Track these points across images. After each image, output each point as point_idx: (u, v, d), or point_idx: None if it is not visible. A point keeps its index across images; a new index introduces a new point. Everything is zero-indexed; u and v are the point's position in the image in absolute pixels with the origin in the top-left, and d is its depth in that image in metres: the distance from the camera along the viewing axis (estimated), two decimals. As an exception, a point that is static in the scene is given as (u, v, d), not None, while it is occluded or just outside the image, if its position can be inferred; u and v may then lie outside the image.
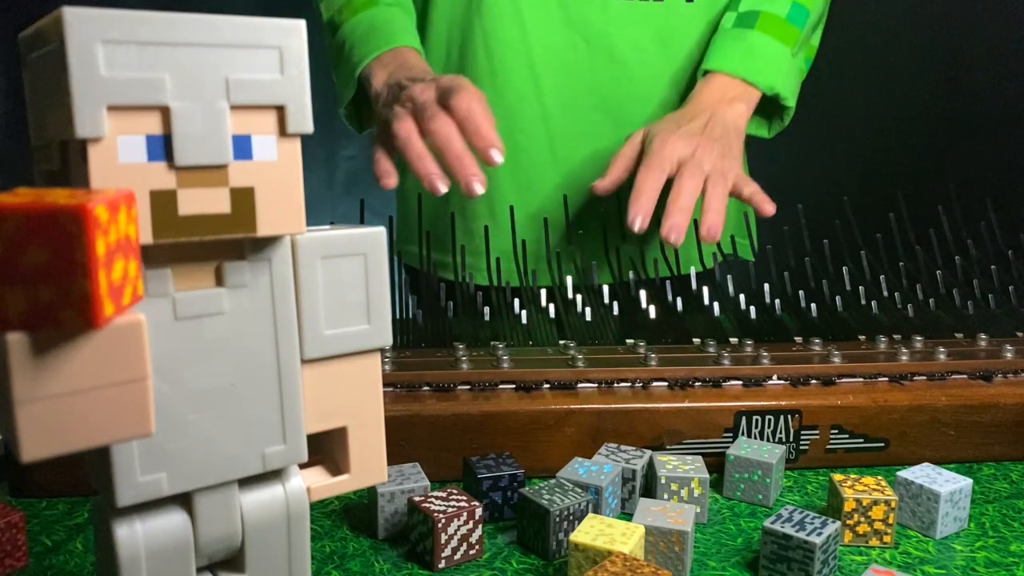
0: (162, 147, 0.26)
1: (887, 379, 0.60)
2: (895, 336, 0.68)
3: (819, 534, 0.42)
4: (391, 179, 0.68)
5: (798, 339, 0.67)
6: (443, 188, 0.63)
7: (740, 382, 0.59)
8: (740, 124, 0.77)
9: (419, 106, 0.66)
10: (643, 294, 0.73)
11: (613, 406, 0.55)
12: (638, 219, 0.67)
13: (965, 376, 0.61)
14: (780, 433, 0.57)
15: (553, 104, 0.84)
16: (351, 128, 0.86)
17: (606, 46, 0.83)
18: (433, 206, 0.87)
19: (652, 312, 0.72)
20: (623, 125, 0.85)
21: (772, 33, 0.81)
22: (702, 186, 0.69)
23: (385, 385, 0.55)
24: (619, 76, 0.84)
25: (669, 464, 0.51)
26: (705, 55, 0.83)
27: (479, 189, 0.62)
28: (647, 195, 0.68)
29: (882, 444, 0.57)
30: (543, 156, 0.85)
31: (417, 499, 0.45)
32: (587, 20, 0.83)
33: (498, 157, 0.63)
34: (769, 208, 0.71)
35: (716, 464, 0.54)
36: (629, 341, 0.65)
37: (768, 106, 0.84)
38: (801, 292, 0.74)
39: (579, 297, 0.73)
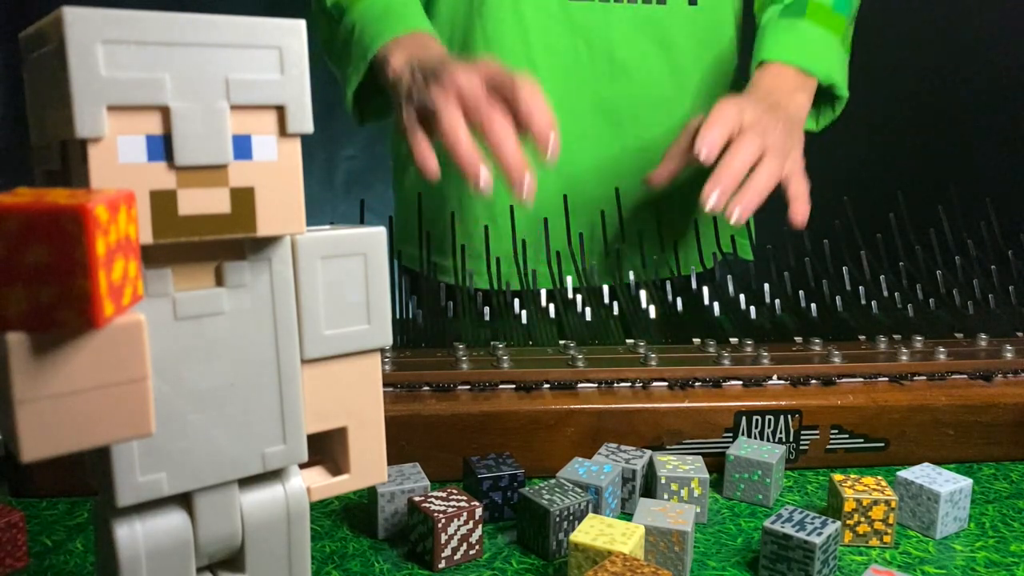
0: (162, 147, 0.26)
1: (887, 379, 0.60)
2: (895, 336, 0.68)
3: (819, 534, 0.42)
4: (434, 164, 0.63)
5: (798, 339, 0.67)
6: (489, 190, 0.61)
7: (740, 382, 0.59)
8: (802, 115, 0.75)
9: (469, 99, 0.62)
10: (643, 294, 0.73)
11: (613, 406, 0.55)
12: (712, 197, 0.64)
13: (965, 376, 0.61)
14: (780, 433, 0.57)
15: (554, 107, 0.84)
16: (352, 119, 0.83)
17: (607, 49, 0.83)
18: (432, 208, 0.87)
19: (652, 312, 0.72)
20: (624, 128, 0.85)
21: (821, 22, 0.79)
22: (756, 154, 0.66)
23: (385, 385, 0.55)
24: (620, 79, 0.84)
25: (669, 464, 0.51)
26: (756, 46, 0.81)
27: (530, 196, 0.61)
28: (724, 172, 0.64)
29: (882, 444, 0.57)
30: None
31: (417, 499, 0.45)
32: (588, 23, 0.83)
33: (555, 153, 0.61)
34: (800, 218, 0.69)
35: (716, 464, 0.54)
36: (629, 341, 0.65)
37: (816, 97, 0.81)
38: (801, 292, 0.74)
39: (579, 297, 0.73)
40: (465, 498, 0.46)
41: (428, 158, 0.64)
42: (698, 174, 0.91)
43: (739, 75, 0.94)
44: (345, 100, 0.80)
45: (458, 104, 0.63)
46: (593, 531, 0.42)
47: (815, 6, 0.80)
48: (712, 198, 0.64)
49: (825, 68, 0.78)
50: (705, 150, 0.65)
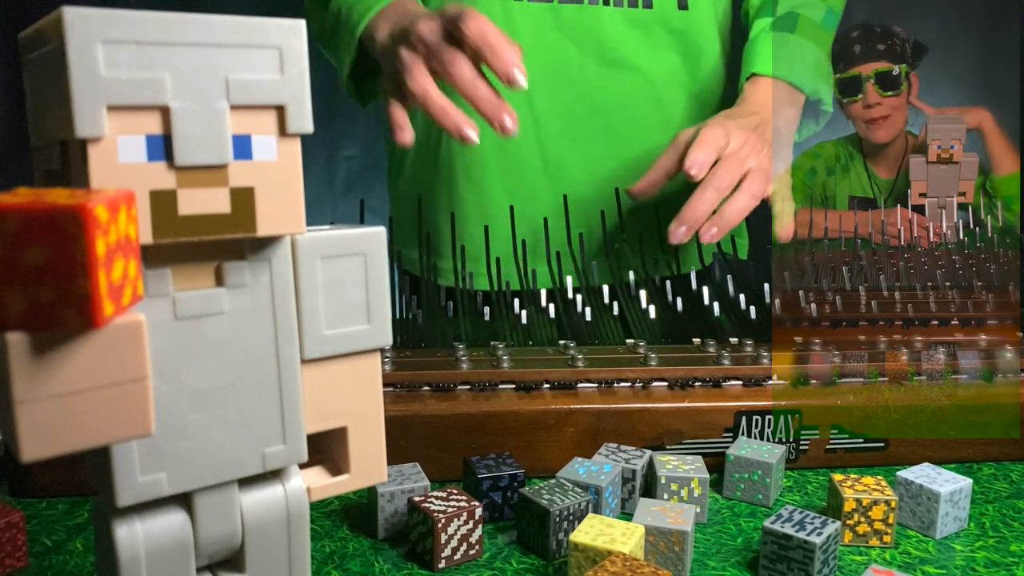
0: (162, 147, 0.26)
1: (887, 379, 0.60)
2: (895, 336, 0.68)
3: (819, 534, 0.42)
4: (407, 133, 0.64)
5: (798, 339, 0.67)
6: (475, 138, 0.61)
7: (740, 382, 0.59)
8: (792, 129, 0.78)
9: (431, 48, 0.62)
10: (643, 294, 0.73)
11: (613, 406, 0.55)
12: (679, 231, 0.67)
13: (965, 376, 0.61)
14: (780, 433, 0.57)
15: (544, 109, 0.84)
16: (354, 102, 0.82)
17: (597, 52, 0.83)
18: (426, 208, 0.87)
19: (652, 312, 0.72)
20: (614, 130, 0.85)
21: (811, 38, 0.83)
22: (737, 181, 0.69)
23: (385, 385, 0.55)
24: (610, 82, 0.84)
25: (669, 464, 0.51)
26: (747, 57, 0.84)
27: (513, 126, 0.60)
28: (694, 205, 0.68)
29: (882, 444, 0.57)
30: (533, 161, 0.85)
31: (417, 499, 0.45)
32: (578, 26, 0.82)
33: (521, 79, 0.60)
34: (784, 233, 0.72)
35: (716, 464, 0.54)
36: (629, 341, 0.65)
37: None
38: (801, 292, 0.74)
39: (579, 297, 0.73)
40: (465, 498, 0.46)
41: (401, 127, 0.64)
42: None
43: (729, 76, 0.94)
44: (342, 84, 0.79)
45: (422, 60, 0.62)
46: (593, 531, 0.42)
47: (805, 21, 0.83)
48: (679, 232, 0.67)
49: (813, 84, 0.81)
50: (695, 169, 0.68)
